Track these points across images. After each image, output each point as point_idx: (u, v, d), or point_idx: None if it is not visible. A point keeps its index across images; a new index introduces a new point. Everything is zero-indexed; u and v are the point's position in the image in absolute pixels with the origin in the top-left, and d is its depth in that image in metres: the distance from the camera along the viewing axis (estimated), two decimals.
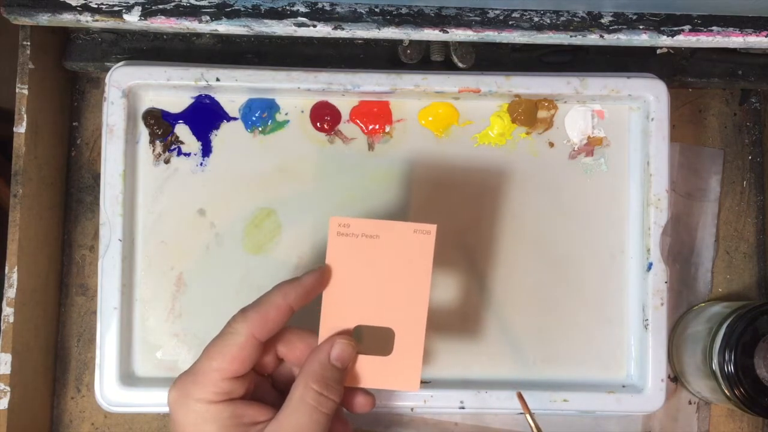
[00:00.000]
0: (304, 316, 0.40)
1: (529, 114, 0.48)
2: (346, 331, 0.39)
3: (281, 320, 0.38)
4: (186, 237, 0.47)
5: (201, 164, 0.47)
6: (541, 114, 0.48)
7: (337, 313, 0.39)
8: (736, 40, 0.44)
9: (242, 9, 0.43)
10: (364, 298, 0.39)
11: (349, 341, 0.39)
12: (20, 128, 0.46)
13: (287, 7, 0.43)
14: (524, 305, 0.47)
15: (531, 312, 0.47)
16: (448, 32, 0.44)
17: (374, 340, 0.40)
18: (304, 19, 0.43)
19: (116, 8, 0.43)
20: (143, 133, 0.47)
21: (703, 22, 0.44)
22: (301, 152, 0.48)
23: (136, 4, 0.43)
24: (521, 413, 0.46)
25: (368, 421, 0.50)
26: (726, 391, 0.44)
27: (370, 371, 0.39)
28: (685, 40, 0.44)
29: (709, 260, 0.52)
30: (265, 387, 0.40)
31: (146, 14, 0.43)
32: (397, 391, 0.43)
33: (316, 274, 0.39)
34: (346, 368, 0.39)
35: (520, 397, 0.42)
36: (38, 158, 0.47)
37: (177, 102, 0.47)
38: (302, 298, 0.38)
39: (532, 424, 0.41)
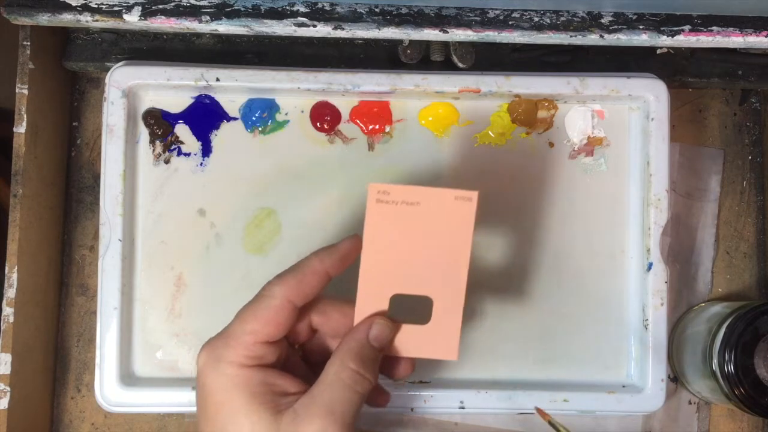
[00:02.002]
0: (340, 288, 0.39)
1: (529, 114, 0.48)
2: (383, 312, 0.38)
3: (318, 285, 0.37)
4: (186, 237, 0.47)
5: (201, 164, 0.47)
6: (541, 114, 0.48)
7: (376, 281, 0.38)
8: (736, 40, 0.44)
9: (242, 9, 0.43)
10: (403, 265, 0.38)
11: (388, 323, 0.38)
12: (20, 128, 0.46)
13: (287, 7, 0.43)
14: (524, 305, 0.47)
15: (531, 312, 0.47)
16: (448, 32, 0.44)
17: (412, 308, 0.39)
18: (304, 19, 0.43)
19: (116, 8, 0.43)
20: (143, 133, 0.47)
21: (703, 22, 0.44)
22: (301, 152, 0.48)
23: (136, 4, 0.43)
24: (521, 413, 0.46)
25: (368, 421, 0.50)
26: (726, 391, 0.44)
27: (408, 340, 0.39)
28: (685, 40, 0.44)
29: (709, 260, 0.52)
30: (295, 359, 0.39)
31: (146, 14, 0.43)
32: (436, 359, 0.42)
33: (353, 240, 0.38)
34: (383, 349, 0.38)
35: (540, 411, 0.42)
36: (38, 158, 0.47)
37: (177, 102, 0.47)
38: (339, 264, 0.38)
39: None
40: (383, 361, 0.39)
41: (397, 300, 0.39)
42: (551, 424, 0.41)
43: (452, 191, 0.37)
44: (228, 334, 0.36)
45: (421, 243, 0.38)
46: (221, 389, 0.35)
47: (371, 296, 0.38)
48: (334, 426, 0.35)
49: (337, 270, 0.38)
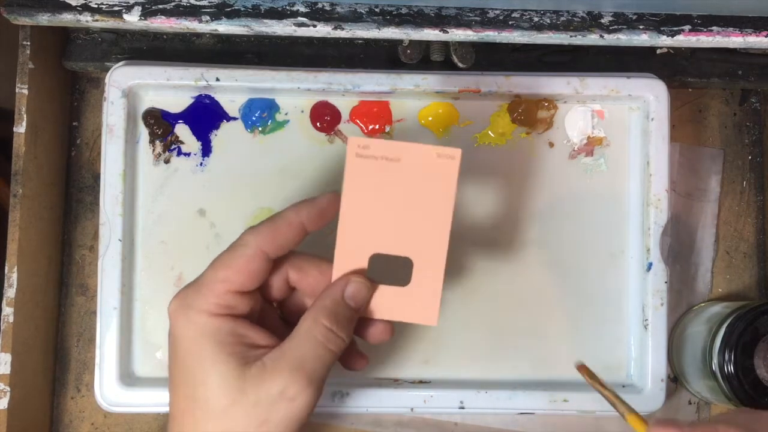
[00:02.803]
0: (319, 249, 0.39)
1: (529, 114, 0.48)
2: (361, 271, 0.37)
3: (293, 237, 0.37)
4: (186, 237, 0.47)
5: (201, 164, 0.47)
6: (541, 114, 0.48)
7: (354, 238, 0.37)
8: (736, 40, 0.44)
9: (242, 9, 0.43)
10: (383, 224, 0.36)
11: (365, 281, 0.37)
12: (20, 128, 0.46)
13: (287, 7, 0.43)
14: (524, 305, 0.47)
15: (531, 312, 0.47)
16: (448, 32, 0.44)
17: (393, 269, 0.38)
18: (304, 19, 0.43)
19: (116, 8, 0.43)
20: (143, 133, 0.47)
21: (703, 22, 0.44)
22: (301, 152, 0.48)
23: (136, 4, 0.43)
24: (522, 413, 0.46)
25: (368, 421, 0.50)
26: (726, 391, 0.44)
27: (387, 302, 0.37)
28: (685, 40, 0.44)
29: (709, 260, 0.52)
30: (273, 316, 0.39)
31: (146, 14, 0.43)
32: (415, 323, 0.39)
33: (332, 195, 0.37)
34: (359, 309, 0.37)
35: (583, 368, 0.39)
36: (38, 158, 0.47)
37: (177, 102, 0.47)
38: (316, 218, 0.37)
39: (607, 393, 0.38)
40: (359, 323, 0.38)
41: (377, 260, 0.37)
42: (597, 384, 0.38)
43: (435, 148, 0.36)
44: (200, 282, 0.36)
45: (402, 201, 0.36)
46: (190, 337, 0.35)
47: (349, 254, 0.37)
48: (302, 381, 0.35)
49: (314, 224, 0.37)
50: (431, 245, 0.37)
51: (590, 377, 0.39)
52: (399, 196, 0.36)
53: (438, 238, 0.37)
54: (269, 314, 0.39)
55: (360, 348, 0.41)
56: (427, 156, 0.36)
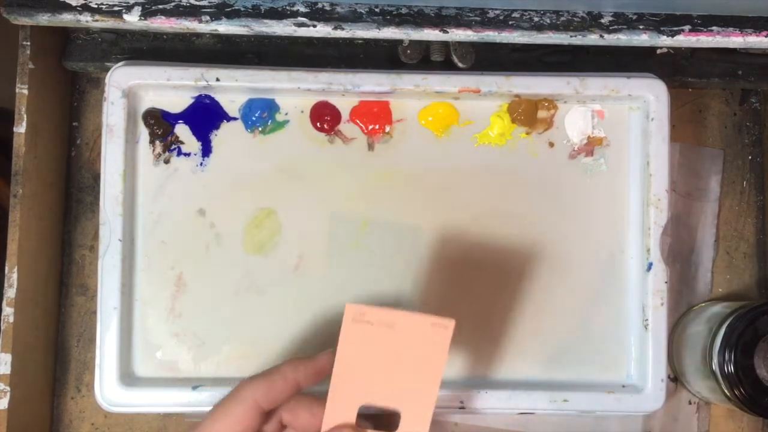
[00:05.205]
0: None
1: (529, 114, 0.48)
2: (350, 421, 0.39)
3: (287, 392, 0.39)
4: (186, 237, 0.47)
5: (201, 164, 0.47)
6: (541, 114, 0.48)
7: (345, 392, 0.39)
8: (736, 40, 0.44)
9: (242, 9, 0.43)
10: (374, 380, 0.39)
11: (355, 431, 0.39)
12: (20, 128, 0.46)
13: (287, 7, 0.43)
14: (524, 305, 0.47)
15: (530, 312, 0.47)
16: (448, 32, 0.44)
17: (380, 416, 0.40)
18: (304, 19, 0.43)
19: (116, 8, 0.43)
20: (143, 133, 0.47)
21: (703, 22, 0.44)
22: (301, 152, 0.48)
23: (136, 4, 0.43)
24: (522, 413, 0.46)
25: None
26: (726, 391, 0.44)
27: None
28: (685, 40, 0.44)
29: (709, 260, 0.52)
30: None
31: (146, 14, 0.43)
32: None
33: (329, 356, 0.39)
34: None
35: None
36: (38, 158, 0.47)
37: (177, 102, 0.47)
38: (312, 376, 0.39)
39: None
40: None
41: (367, 408, 0.39)
42: None
43: (429, 318, 0.38)
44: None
45: (394, 362, 0.38)
46: None
47: (340, 404, 0.39)
48: None
49: (309, 382, 0.39)
50: (420, 401, 0.39)
51: None
52: (391, 357, 0.38)
53: (427, 396, 0.39)
54: None
55: None
56: (422, 324, 0.38)
